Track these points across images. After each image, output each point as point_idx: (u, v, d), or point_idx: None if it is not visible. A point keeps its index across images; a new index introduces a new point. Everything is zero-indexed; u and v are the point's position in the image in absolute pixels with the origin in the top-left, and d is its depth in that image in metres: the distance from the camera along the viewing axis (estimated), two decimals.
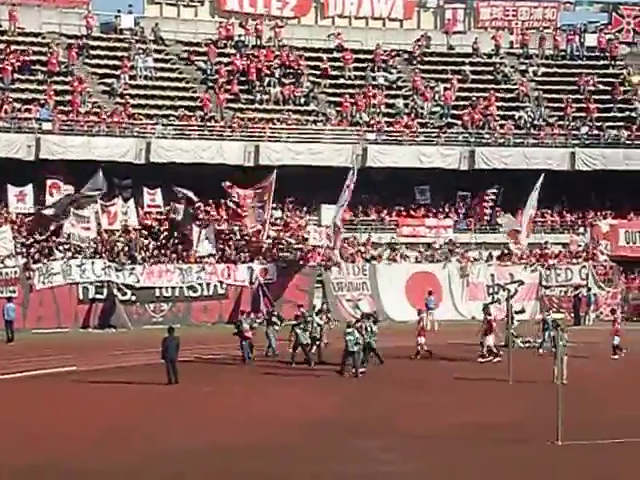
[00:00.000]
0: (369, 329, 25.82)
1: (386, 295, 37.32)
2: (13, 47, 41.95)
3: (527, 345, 29.62)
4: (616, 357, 28.19)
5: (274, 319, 28.57)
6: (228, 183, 37.65)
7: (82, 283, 34.20)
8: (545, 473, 15.81)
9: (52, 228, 35.62)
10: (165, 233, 37.72)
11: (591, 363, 27.26)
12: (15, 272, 33.73)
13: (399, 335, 29.85)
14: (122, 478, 15.42)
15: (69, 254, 35.08)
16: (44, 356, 27.21)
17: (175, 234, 37.56)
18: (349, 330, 25.12)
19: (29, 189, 36.92)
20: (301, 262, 37.47)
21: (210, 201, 39.34)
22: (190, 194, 37.05)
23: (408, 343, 28.99)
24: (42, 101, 39.90)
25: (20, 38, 42.93)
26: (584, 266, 40.23)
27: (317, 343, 27.32)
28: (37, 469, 15.66)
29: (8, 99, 39.36)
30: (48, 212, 35.56)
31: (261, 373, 25.40)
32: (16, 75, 40.99)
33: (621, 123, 45.78)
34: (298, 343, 26.73)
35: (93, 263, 34.57)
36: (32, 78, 41.48)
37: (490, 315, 28.16)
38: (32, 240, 35.53)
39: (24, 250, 34.99)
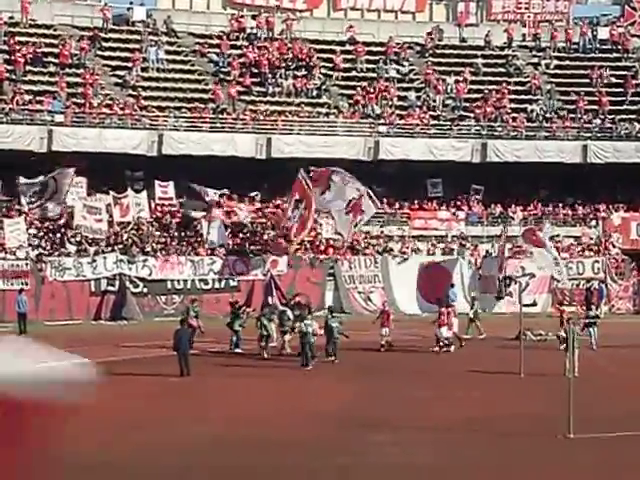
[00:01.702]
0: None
1: (398, 288, 37.27)
2: (25, 39, 42.07)
3: (539, 338, 29.56)
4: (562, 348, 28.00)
5: (240, 313, 28.24)
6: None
7: (94, 279, 34.35)
8: (557, 466, 15.77)
9: (63, 219, 35.72)
10: (176, 225, 37.80)
11: (602, 356, 27.17)
12: (27, 264, 33.84)
13: (410, 328, 29.84)
14: (131, 471, 15.38)
15: (82, 247, 35.19)
16: (56, 348, 27.22)
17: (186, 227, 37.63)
18: (307, 322, 25.35)
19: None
20: (312, 254, 37.49)
21: (227, 192, 39.38)
22: (209, 192, 36.95)
23: (418, 336, 29.09)
24: (54, 93, 39.97)
25: (32, 30, 43.02)
26: (596, 260, 40.10)
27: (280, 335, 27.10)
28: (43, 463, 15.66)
29: (20, 91, 39.44)
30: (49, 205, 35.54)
31: (268, 366, 25.38)
32: (28, 67, 41.07)
33: (633, 116, 45.59)
34: (261, 334, 26.73)
35: (105, 258, 34.67)
36: (44, 70, 41.56)
37: (450, 307, 28.05)
38: (44, 232, 35.67)
39: (36, 242, 35.12)
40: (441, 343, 27.71)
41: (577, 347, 22.76)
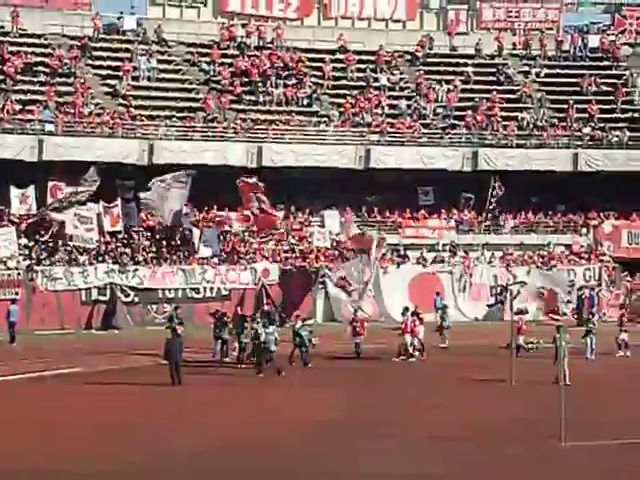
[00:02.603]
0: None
1: (389, 296, 37.22)
2: (16, 48, 42.05)
3: (530, 346, 29.49)
4: (519, 355, 28.05)
5: (228, 321, 27.90)
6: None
7: (85, 289, 34.29)
8: (549, 474, 15.76)
9: (54, 229, 35.66)
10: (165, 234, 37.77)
11: (593, 364, 27.21)
12: (18, 274, 33.76)
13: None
14: (124, 479, 15.38)
15: (73, 255, 35.11)
16: (47, 357, 27.20)
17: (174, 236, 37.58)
18: (269, 330, 25.24)
19: (31, 191, 36.88)
20: (304, 263, 37.46)
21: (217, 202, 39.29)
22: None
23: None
24: (45, 102, 39.96)
25: (23, 39, 43.02)
26: (588, 268, 40.11)
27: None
28: (38, 472, 15.63)
29: (11, 100, 39.40)
30: (52, 214, 35.59)
31: (255, 375, 25.31)
32: (19, 76, 41.07)
33: (624, 124, 45.69)
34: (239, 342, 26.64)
35: (96, 269, 34.59)
36: (35, 79, 41.55)
37: (416, 314, 28.28)
38: (35, 242, 35.61)
39: (27, 252, 35.04)
40: (402, 351, 27.61)
41: (566, 355, 22.91)
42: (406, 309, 29.36)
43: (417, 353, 28.07)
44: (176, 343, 23.77)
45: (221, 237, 37.71)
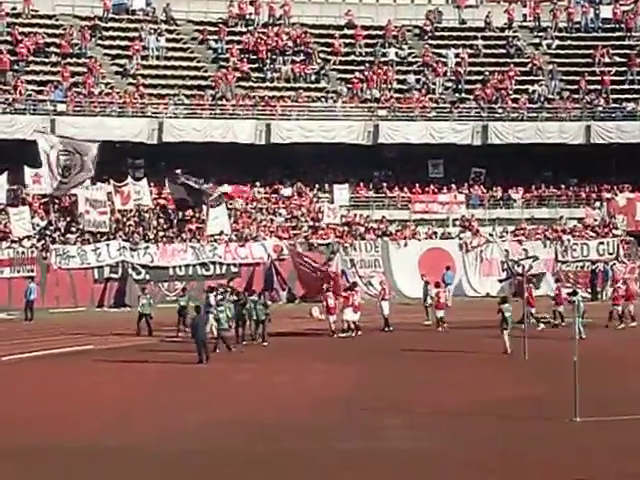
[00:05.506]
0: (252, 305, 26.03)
1: (399, 272, 37.20)
2: (28, 29, 42.27)
3: (543, 321, 29.38)
4: (440, 330, 28.21)
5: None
6: None
7: (98, 267, 34.53)
8: (564, 450, 15.46)
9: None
10: (176, 213, 37.91)
11: (608, 338, 27.03)
12: (32, 252, 34.06)
13: (411, 312, 29.87)
14: (139, 456, 15.36)
15: (85, 236, 35.36)
16: (61, 335, 27.47)
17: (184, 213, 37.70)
18: (220, 308, 24.93)
19: (44, 171, 37.11)
20: (313, 239, 37.50)
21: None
22: (191, 183, 36.67)
23: (418, 320, 29.19)
24: (56, 83, 40.15)
25: (34, 20, 43.23)
26: (601, 242, 39.78)
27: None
28: (53, 448, 15.77)
29: (23, 81, 39.63)
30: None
31: (269, 352, 25.45)
32: (31, 57, 41.28)
33: (637, 95, 45.26)
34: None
35: (108, 246, 34.83)
36: (46, 60, 41.78)
37: (353, 289, 28.32)
38: (49, 221, 35.93)
39: (41, 231, 35.34)
40: (345, 326, 27.50)
41: (506, 328, 23.82)
42: (355, 284, 29.35)
43: (353, 330, 27.67)
44: (201, 320, 23.74)
45: (230, 214, 37.77)
